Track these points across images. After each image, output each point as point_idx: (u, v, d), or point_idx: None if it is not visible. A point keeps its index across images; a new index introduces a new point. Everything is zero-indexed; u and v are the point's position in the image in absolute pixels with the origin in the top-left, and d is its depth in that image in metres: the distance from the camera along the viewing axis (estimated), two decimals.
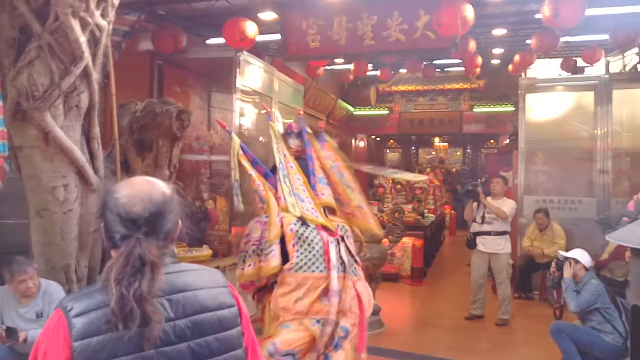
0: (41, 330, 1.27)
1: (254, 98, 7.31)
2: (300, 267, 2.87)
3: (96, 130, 3.90)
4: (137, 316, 1.19)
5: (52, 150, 3.61)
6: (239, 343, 1.39)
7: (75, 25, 3.34)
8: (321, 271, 2.87)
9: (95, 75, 3.66)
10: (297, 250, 2.90)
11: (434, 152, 19.77)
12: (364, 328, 3.14)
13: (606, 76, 7.63)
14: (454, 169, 18.74)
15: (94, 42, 3.59)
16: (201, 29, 7.11)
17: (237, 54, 6.42)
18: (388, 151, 19.86)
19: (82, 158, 3.77)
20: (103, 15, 3.61)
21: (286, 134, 3.52)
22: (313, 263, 2.89)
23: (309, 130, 3.49)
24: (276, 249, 2.91)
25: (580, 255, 4.51)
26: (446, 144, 19.16)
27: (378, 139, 18.68)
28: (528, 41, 7.93)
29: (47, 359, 1.21)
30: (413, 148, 19.93)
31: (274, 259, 2.89)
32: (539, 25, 7.24)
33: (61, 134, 3.55)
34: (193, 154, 6.79)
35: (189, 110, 4.53)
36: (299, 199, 3.11)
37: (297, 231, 2.93)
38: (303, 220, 3.00)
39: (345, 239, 3.05)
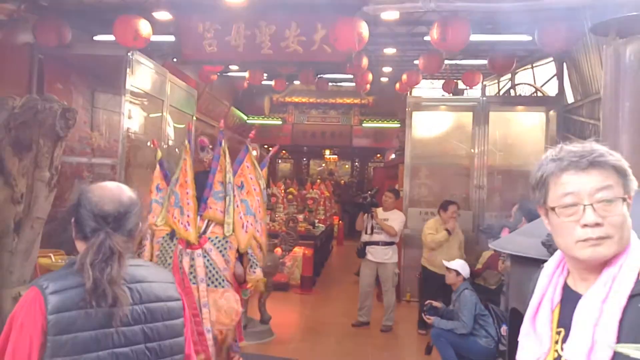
0: (16, 305, 1.45)
1: (144, 100, 7.01)
2: None
3: None
4: (109, 296, 1.42)
5: None
6: (182, 332, 1.61)
7: None
8: None
9: None
10: (158, 260, 3.35)
11: (324, 164, 20.21)
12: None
13: (484, 98, 8.27)
14: (342, 181, 19.29)
15: None
16: (89, 23, 6.66)
17: (128, 54, 6.11)
18: (280, 161, 19.97)
19: None
20: None
21: (200, 149, 3.61)
22: None
23: (223, 144, 3.49)
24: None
25: (462, 267, 4.85)
26: (336, 156, 19.70)
27: (270, 148, 18.71)
28: (415, 62, 8.41)
29: (23, 329, 1.38)
30: (304, 159, 20.23)
31: None
32: (426, 47, 7.70)
33: None
34: (75, 156, 6.33)
35: (74, 109, 4.21)
36: (181, 211, 3.35)
37: (162, 244, 3.38)
38: (173, 233, 3.35)
39: (210, 252, 3.26)
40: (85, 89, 6.87)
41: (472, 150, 8.01)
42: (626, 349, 1.08)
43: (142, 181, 6.65)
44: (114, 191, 1.57)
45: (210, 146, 3.64)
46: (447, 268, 4.89)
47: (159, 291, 1.57)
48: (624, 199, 1.20)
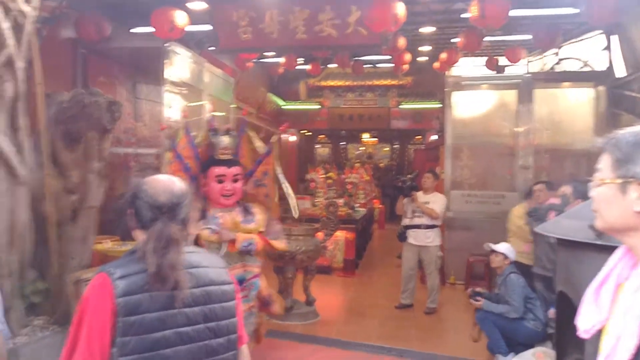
0: (87, 290, 1.55)
1: (183, 90, 7.10)
2: None
3: (22, 121, 3.73)
4: (171, 280, 1.52)
5: None
6: (235, 313, 1.71)
7: None
8: None
9: (20, 64, 3.48)
10: None
11: (362, 148, 20.08)
12: None
13: (528, 75, 8.00)
14: (381, 164, 19.15)
15: (17, 28, 3.40)
16: (126, 17, 6.78)
17: (165, 44, 6.19)
18: (318, 146, 19.97)
19: (7, 149, 3.62)
20: (27, 1, 3.42)
21: (219, 133, 3.56)
22: None
23: (247, 131, 3.56)
24: None
25: (509, 250, 4.75)
26: (375, 139, 19.51)
27: (309, 133, 18.73)
28: (454, 40, 8.21)
29: (95, 312, 1.49)
30: (342, 143, 20.14)
31: None
32: (465, 24, 7.51)
33: None
34: (121, 146, 6.51)
35: (119, 101, 4.35)
36: None
37: None
38: None
39: None
40: (127, 81, 7.03)
41: (517, 130, 7.80)
42: None
43: None
44: (167, 183, 1.67)
45: (234, 131, 3.64)
46: (494, 251, 4.79)
47: (214, 275, 1.68)
48: None
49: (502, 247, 4.81)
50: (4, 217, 3.81)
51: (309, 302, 6.17)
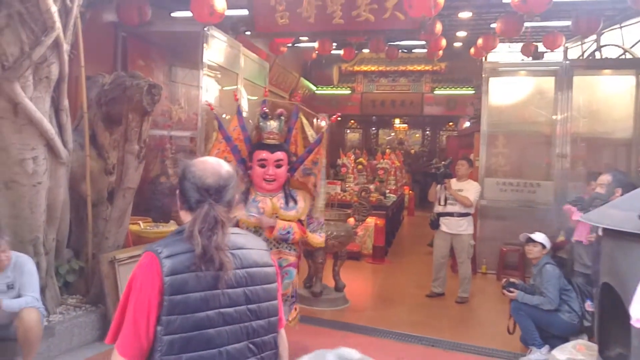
0: (134, 269, 1.56)
1: (219, 74, 7.16)
2: None
3: (65, 102, 3.83)
4: (216, 261, 1.54)
5: (21, 122, 3.53)
6: (276, 295, 1.72)
7: None
8: None
9: (66, 47, 3.57)
10: None
11: (393, 133, 19.93)
12: None
13: (567, 62, 7.79)
14: (412, 151, 18.99)
15: (65, 12, 3.48)
16: (166, 1, 6.86)
17: (205, 29, 6.24)
18: (348, 131, 19.90)
19: (52, 130, 3.70)
20: None
21: (267, 117, 3.54)
22: None
23: (301, 118, 3.58)
24: None
25: (546, 240, 4.68)
26: (406, 125, 19.34)
27: (339, 119, 18.65)
28: (492, 25, 8.05)
29: (143, 289, 1.51)
30: (373, 129, 20.03)
31: None
32: (503, 10, 7.35)
33: (31, 105, 3.46)
34: (158, 129, 6.62)
35: (159, 85, 4.41)
36: None
37: None
38: None
39: None
40: (163, 65, 7.12)
41: (554, 117, 7.63)
42: None
43: None
44: (214, 165, 1.67)
45: (284, 117, 3.61)
46: (532, 241, 4.71)
47: (257, 257, 1.69)
48: None
49: (540, 236, 4.72)
50: (44, 196, 3.90)
51: (339, 287, 6.19)
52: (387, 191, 10.39)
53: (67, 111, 4.02)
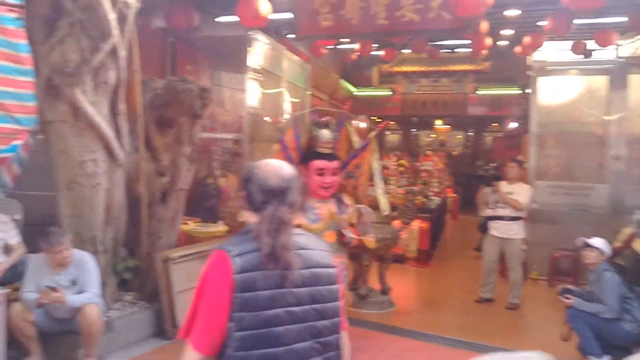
0: (205, 267, 1.60)
1: (263, 77, 7.21)
2: None
3: (122, 106, 3.99)
4: (283, 261, 1.57)
5: (81, 126, 3.70)
6: (338, 297, 1.72)
7: (105, 2, 3.39)
8: None
9: (123, 52, 3.69)
10: None
11: (434, 135, 19.66)
12: None
13: (622, 60, 7.48)
14: (454, 152, 18.68)
15: (121, 19, 3.60)
16: (212, 6, 6.93)
17: (249, 33, 6.28)
18: (388, 133, 19.75)
19: (110, 133, 3.86)
20: None
21: (321, 127, 3.61)
22: None
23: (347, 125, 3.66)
24: None
25: (604, 245, 4.49)
26: (447, 126, 19.04)
27: (379, 120, 18.54)
28: (540, 22, 7.80)
29: (215, 286, 1.55)
30: (414, 130, 19.80)
31: None
32: (552, 7, 7.12)
33: (90, 110, 3.62)
34: (204, 132, 6.71)
35: (209, 88, 4.53)
36: None
37: None
38: None
39: None
40: (209, 69, 7.22)
41: (607, 118, 7.35)
42: None
43: (264, 154, 6.92)
44: (277, 168, 1.71)
45: (334, 123, 3.70)
46: (588, 246, 4.53)
47: (319, 258, 1.70)
48: None
49: (597, 241, 4.54)
50: (102, 197, 4.06)
51: (385, 291, 6.13)
52: (431, 194, 10.24)
53: (124, 115, 4.17)
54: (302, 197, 1.75)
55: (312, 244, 1.73)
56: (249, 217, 1.70)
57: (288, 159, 3.62)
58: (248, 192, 1.69)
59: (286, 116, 6.45)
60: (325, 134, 3.53)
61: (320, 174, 3.43)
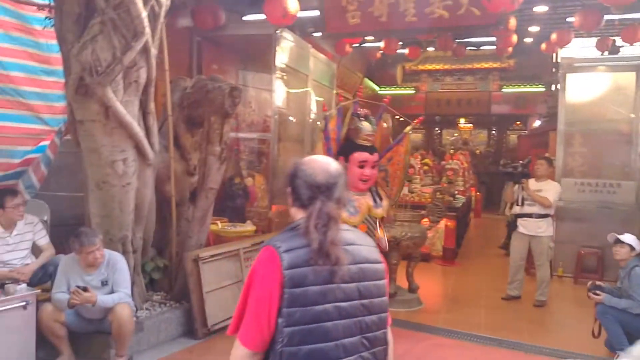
0: (254, 263, 1.61)
1: (290, 76, 7.25)
2: None
3: (152, 105, 3.94)
4: (332, 256, 1.56)
5: (111, 125, 3.64)
6: (385, 292, 1.72)
7: (138, 0, 3.34)
8: None
9: (154, 51, 3.67)
10: None
11: (457, 133, 19.49)
12: None
13: None
14: (478, 151, 18.51)
15: (153, 17, 3.59)
16: (239, 4, 7.00)
17: (277, 31, 6.33)
18: (412, 132, 19.60)
19: (140, 133, 3.81)
20: None
21: (362, 119, 3.62)
22: None
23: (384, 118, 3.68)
24: None
25: (635, 241, 4.46)
26: (471, 125, 18.86)
27: (402, 119, 18.42)
28: (568, 19, 7.73)
29: (264, 282, 1.55)
30: (437, 129, 19.66)
31: None
32: (581, 3, 7.05)
33: (121, 109, 3.57)
34: (232, 131, 6.78)
35: (240, 87, 4.52)
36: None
37: None
38: None
39: None
40: (235, 68, 7.29)
41: (634, 115, 7.24)
42: None
43: (292, 153, 6.98)
44: (323, 164, 1.71)
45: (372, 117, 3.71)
46: (620, 242, 4.50)
47: (367, 254, 1.70)
48: None
49: (629, 238, 4.50)
50: (132, 197, 4.04)
51: (412, 289, 6.12)
52: (456, 192, 10.20)
53: (154, 114, 4.15)
54: (346, 192, 1.75)
55: (359, 239, 1.73)
56: (295, 213, 1.71)
57: (327, 149, 3.61)
58: (294, 188, 1.70)
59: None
60: (367, 126, 3.53)
61: (361, 167, 3.43)
